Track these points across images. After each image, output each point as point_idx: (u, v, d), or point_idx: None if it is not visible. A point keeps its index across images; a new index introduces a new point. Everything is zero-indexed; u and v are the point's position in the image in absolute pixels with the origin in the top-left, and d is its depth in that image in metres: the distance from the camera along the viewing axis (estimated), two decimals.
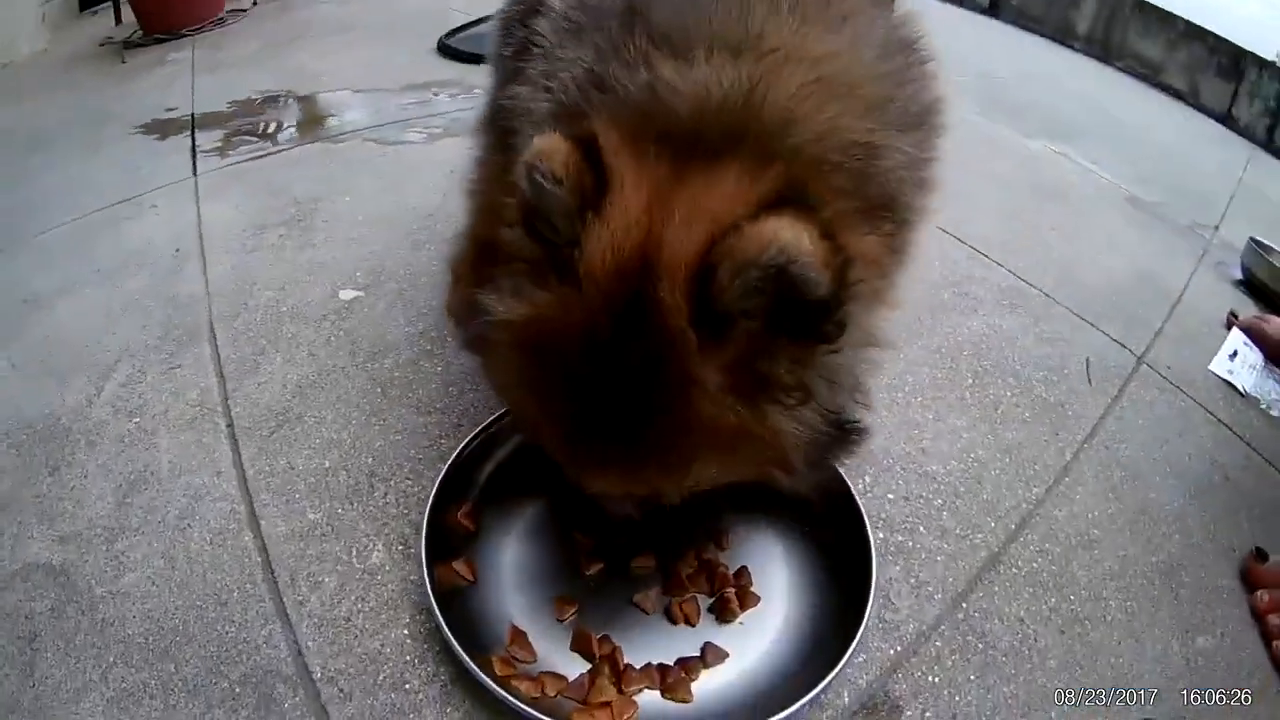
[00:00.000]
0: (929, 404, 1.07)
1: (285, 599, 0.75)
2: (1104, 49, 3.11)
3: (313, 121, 1.62)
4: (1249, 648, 0.84)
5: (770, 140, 0.54)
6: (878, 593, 0.79)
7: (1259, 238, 1.53)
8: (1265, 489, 1.03)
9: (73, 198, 1.36)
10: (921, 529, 0.90)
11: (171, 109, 1.67)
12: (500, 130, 0.81)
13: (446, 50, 1.91)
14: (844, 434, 0.61)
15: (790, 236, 0.46)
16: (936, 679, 0.77)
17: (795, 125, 0.55)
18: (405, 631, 0.73)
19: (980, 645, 0.80)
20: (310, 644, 0.72)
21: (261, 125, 1.57)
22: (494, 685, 0.64)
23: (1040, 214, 1.58)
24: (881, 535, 0.87)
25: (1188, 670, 0.81)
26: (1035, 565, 0.88)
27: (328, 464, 0.87)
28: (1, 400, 0.97)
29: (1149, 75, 2.97)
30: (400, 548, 0.80)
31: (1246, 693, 0.79)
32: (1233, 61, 2.72)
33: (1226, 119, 2.73)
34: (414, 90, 1.72)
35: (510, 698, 0.64)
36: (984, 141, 1.89)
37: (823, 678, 0.67)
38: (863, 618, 0.71)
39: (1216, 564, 0.92)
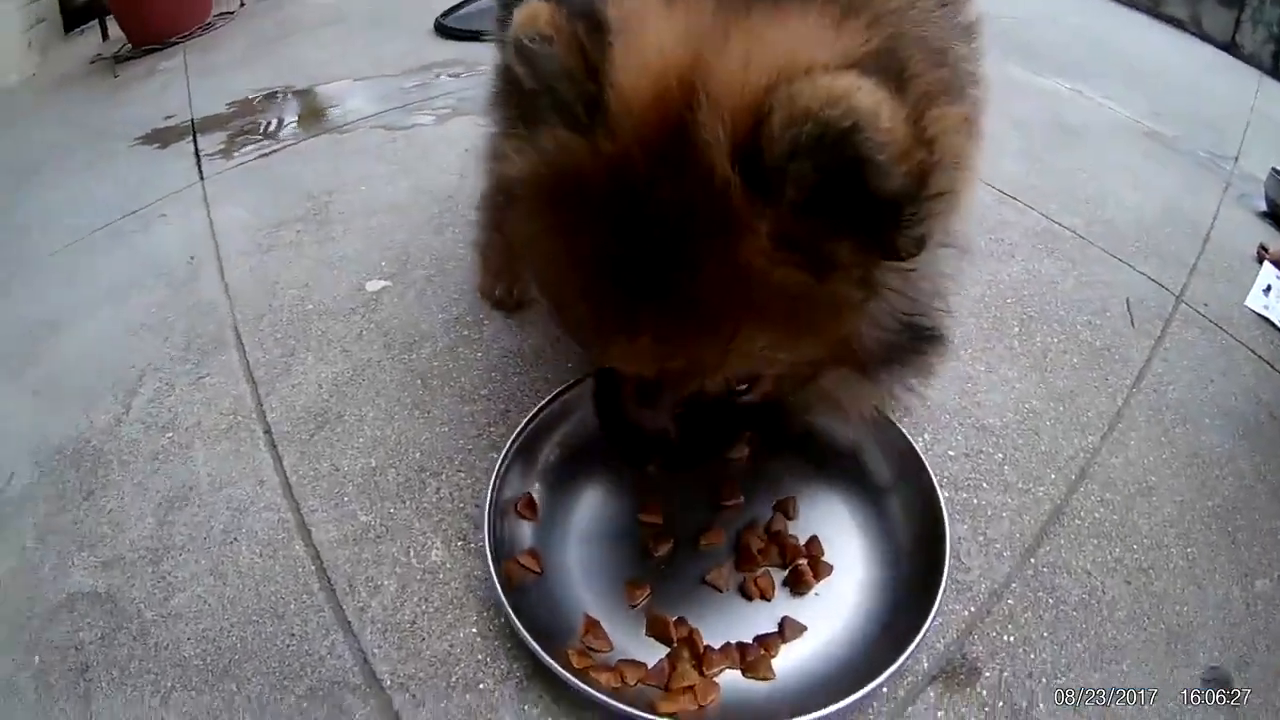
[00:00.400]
0: (979, 355, 1.06)
1: (345, 606, 0.73)
2: None
3: (315, 114, 1.59)
4: None
5: None
6: (948, 553, 0.77)
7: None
8: None
9: (79, 215, 1.33)
10: (985, 485, 0.89)
11: (170, 116, 1.63)
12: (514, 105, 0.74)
13: (444, 30, 1.87)
14: (919, 339, 0.56)
15: (868, 101, 0.39)
16: (1011, 638, 0.76)
17: None
18: (474, 630, 0.71)
19: (1051, 601, 0.80)
20: (376, 650, 0.70)
21: (263, 123, 1.54)
22: (572, 679, 0.62)
23: (1063, 154, 1.57)
24: (947, 494, 0.84)
25: (1248, 615, 0.80)
26: (1098, 516, 0.88)
27: (374, 463, 0.85)
28: (27, 427, 0.94)
29: (1150, 6, 2.94)
30: (460, 543, 0.77)
31: None
32: None
33: (1231, 47, 2.70)
34: (416, 73, 1.69)
35: (590, 690, 0.62)
36: (1002, 82, 1.86)
37: (904, 647, 0.65)
38: (940, 581, 0.70)
39: (1270, 505, 0.91)
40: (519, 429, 0.78)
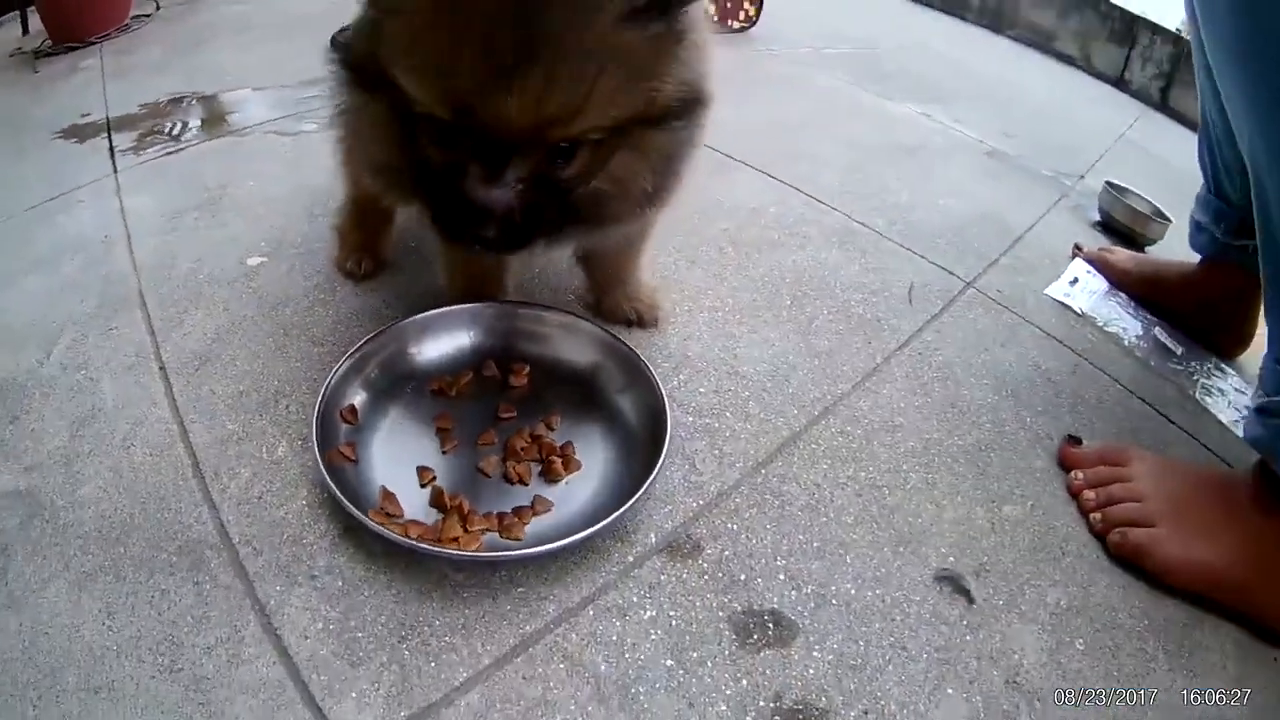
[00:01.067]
0: (744, 320, 1.20)
1: (211, 490, 0.93)
2: (996, 19, 3.14)
3: (218, 119, 1.76)
4: (1063, 519, 0.94)
5: None
6: (683, 460, 0.97)
7: (1114, 180, 1.61)
8: (1092, 390, 1.13)
9: (5, 199, 1.49)
10: (728, 414, 1.04)
11: (86, 115, 1.79)
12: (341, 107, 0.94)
13: (336, 45, 2.04)
14: (690, 104, 0.75)
15: None
16: (734, 525, 0.90)
17: None
18: (304, 503, 0.92)
19: (777, 502, 0.92)
20: (230, 519, 0.90)
21: (171, 125, 1.71)
22: (370, 522, 0.82)
23: (887, 166, 1.70)
24: (690, 419, 1.02)
25: (991, 531, 0.91)
26: (835, 443, 1.00)
27: (242, 388, 1.05)
28: None
29: (1040, 43, 3.01)
30: (300, 443, 0.99)
31: (1057, 554, 0.89)
32: (1126, 27, 2.76)
33: (1119, 83, 2.78)
34: (310, 85, 1.85)
35: (384, 530, 0.82)
36: (845, 106, 2.01)
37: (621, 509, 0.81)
38: (657, 461, 0.86)
39: (1030, 449, 1.02)
40: (348, 353, 0.97)
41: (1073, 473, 0.96)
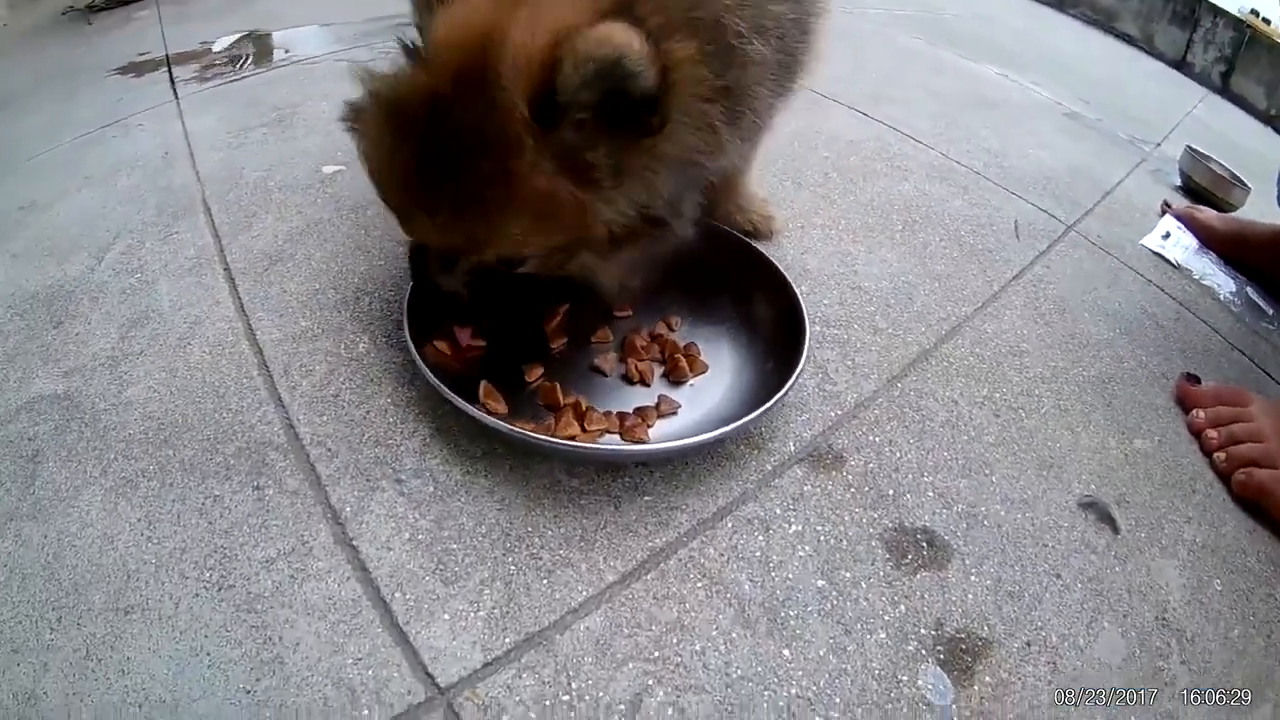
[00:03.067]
0: (859, 239, 1.15)
1: (279, 386, 0.82)
2: None
3: (283, 51, 1.69)
4: (1190, 457, 0.91)
5: None
6: (815, 369, 0.88)
7: (1196, 146, 1.59)
8: (1196, 338, 1.10)
9: (56, 131, 1.41)
10: (855, 326, 0.98)
11: (144, 53, 1.72)
12: None
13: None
14: (654, 228, 0.70)
15: (623, 37, 0.56)
16: (876, 438, 0.84)
17: None
18: (388, 400, 0.81)
19: (917, 417, 0.87)
20: (301, 416, 0.79)
21: (236, 57, 1.64)
22: (478, 413, 0.70)
23: (974, 117, 1.67)
24: (818, 328, 0.95)
25: (1126, 463, 0.87)
26: (967, 362, 0.96)
27: (318, 285, 0.95)
28: (5, 282, 1.00)
29: (1102, 21, 3.03)
30: (383, 339, 0.87)
31: (1188, 491, 0.86)
32: (1188, 9, 2.77)
33: (1181, 65, 2.79)
34: (376, 21, 1.79)
35: (494, 421, 0.70)
36: (926, 61, 1.98)
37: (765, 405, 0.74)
38: (797, 362, 0.78)
39: (1150, 386, 0.98)
40: None
41: (1193, 411, 0.95)
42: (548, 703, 0.60)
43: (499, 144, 0.62)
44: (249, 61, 1.62)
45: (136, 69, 1.64)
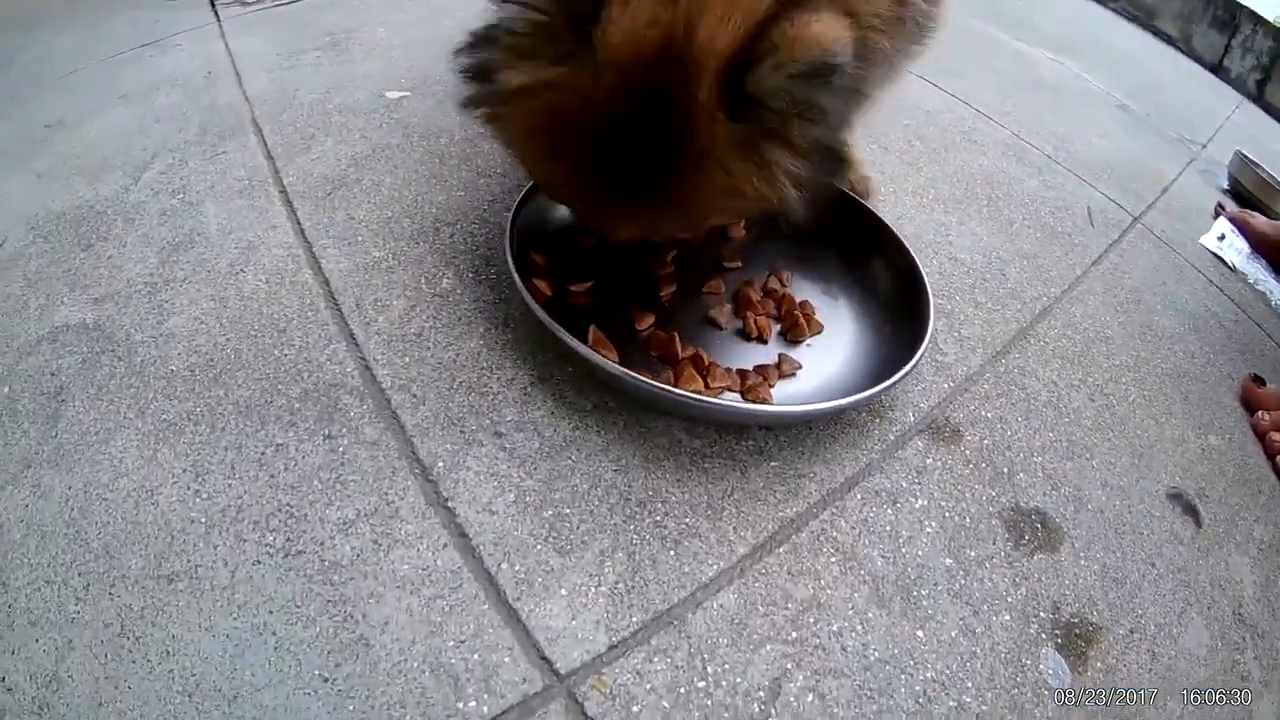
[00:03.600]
0: (951, 210, 1.11)
1: (350, 322, 0.72)
2: None
3: None
4: (1256, 457, 0.88)
5: None
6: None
7: (1245, 151, 1.58)
8: (1254, 341, 1.08)
9: (90, 49, 1.29)
10: (958, 298, 0.94)
11: None
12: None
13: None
14: (828, 160, 0.64)
15: (834, 34, 0.51)
16: (989, 414, 0.80)
17: None
18: (480, 343, 0.70)
19: (1022, 395, 0.84)
20: (379, 357, 0.69)
21: None
22: (594, 355, 0.62)
23: (1036, 99, 1.61)
24: None
25: (1203, 458, 0.85)
26: (1062, 344, 0.93)
27: (390, 214, 0.84)
28: (26, 202, 0.90)
29: (1142, 18, 2.98)
30: (471, 275, 0.77)
31: (1255, 491, 0.83)
32: (1229, 14, 2.72)
33: (1218, 69, 2.74)
34: None
35: (612, 365, 0.62)
36: (983, 41, 1.93)
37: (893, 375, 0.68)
38: (924, 338, 0.72)
39: (1219, 383, 0.97)
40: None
41: (1259, 413, 0.94)
42: (682, 690, 0.52)
43: (694, 155, 0.57)
44: None
45: None
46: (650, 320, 0.72)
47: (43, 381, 0.68)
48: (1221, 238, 1.33)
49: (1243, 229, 1.36)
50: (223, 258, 0.79)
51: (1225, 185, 1.57)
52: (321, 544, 0.56)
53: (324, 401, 0.65)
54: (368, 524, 0.57)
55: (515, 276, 0.65)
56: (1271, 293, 1.25)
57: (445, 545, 0.56)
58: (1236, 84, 2.65)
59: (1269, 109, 2.53)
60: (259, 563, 0.55)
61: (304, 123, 0.99)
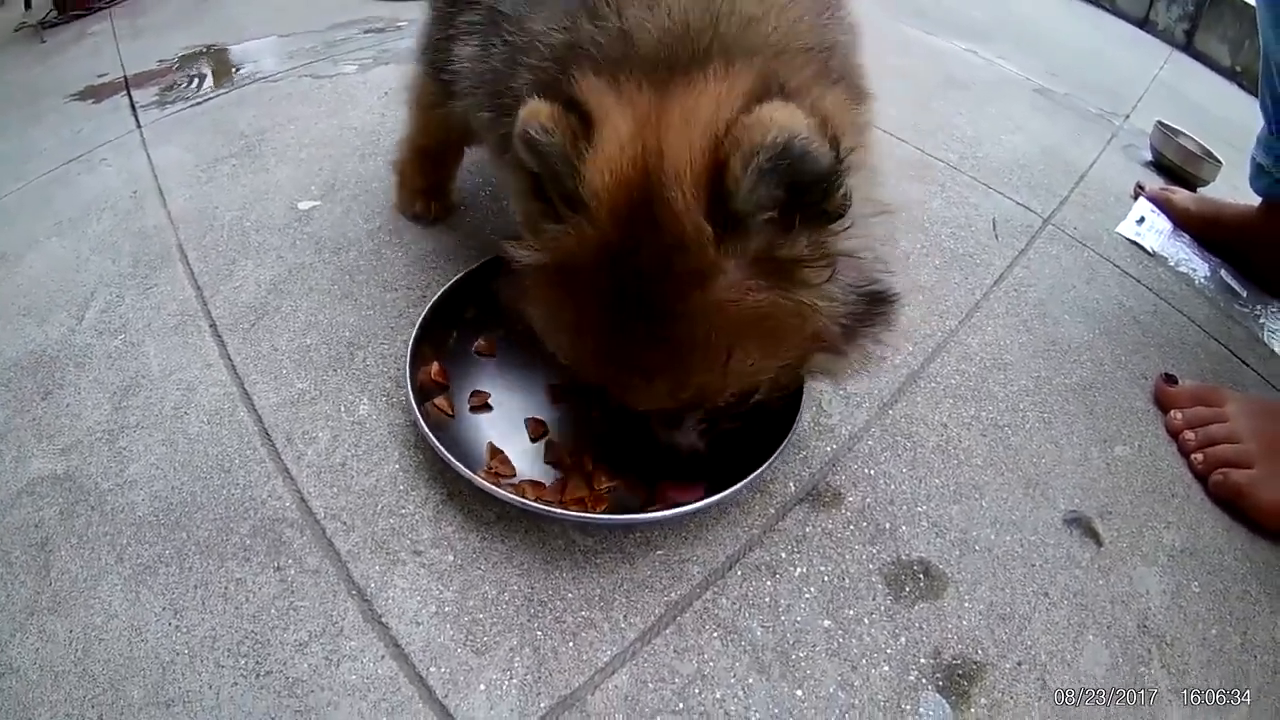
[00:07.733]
0: None
1: (284, 456, 0.81)
2: None
3: (245, 67, 1.62)
4: (1168, 459, 0.91)
5: (736, 43, 0.57)
6: (808, 401, 0.86)
7: (1166, 121, 1.57)
8: (1173, 331, 1.10)
9: (19, 166, 1.36)
10: None
11: (102, 75, 1.66)
12: (434, 65, 0.88)
13: None
14: (875, 303, 0.61)
15: (786, 116, 0.48)
16: (871, 471, 0.85)
17: (757, 24, 0.59)
18: (396, 467, 0.80)
19: (909, 444, 0.88)
20: (311, 489, 0.78)
21: (195, 77, 1.58)
22: (489, 485, 0.69)
23: (945, 101, 1.63)
24: None
25: (1108, 472, 0.88)
26: (954, 381, 0.96)
27: (309, 341, 0.92)
28: None
29: None
30: (383, 399, 0.86)
31: (1167, 495, 0.87)
32: None
33: (1144, 23, 2.73)
34: (341, 28, 1.74)
35: (504, 494, 0.69)
36: (891, 39, 1.93)
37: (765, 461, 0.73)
38: (795, 419, 0.77)
39: (1130, 389, 0.99)
40: (435, 296, 0.86)
41: (1171, 413, 0.96)
42: None
43: (696, 277, 0.54)
44: (209, 81, 1.56)
45: (95, 93, 1.59)
46: (543, 429, 0.81)
47: (29, 533, 0.76)
48: (1141, 220, 1.32)
49: (1164, 207, 1.36)
50: (167, 400, 0.88)
51: (1149, 158, 1.57)
52: (284, 663, 0.66)
53: (270, 535, 0.75)
54: (319, 644, 0.68)
55: (414, 406, 0.75)
56: (1194, 271, 1.24)
57: (383, 656, 0.67)
58: (1165, 36, 2.66)
59: (1199, 56, 2.53)
60: (236, 684, 0.65)
61: (225, 245, 1.08)
